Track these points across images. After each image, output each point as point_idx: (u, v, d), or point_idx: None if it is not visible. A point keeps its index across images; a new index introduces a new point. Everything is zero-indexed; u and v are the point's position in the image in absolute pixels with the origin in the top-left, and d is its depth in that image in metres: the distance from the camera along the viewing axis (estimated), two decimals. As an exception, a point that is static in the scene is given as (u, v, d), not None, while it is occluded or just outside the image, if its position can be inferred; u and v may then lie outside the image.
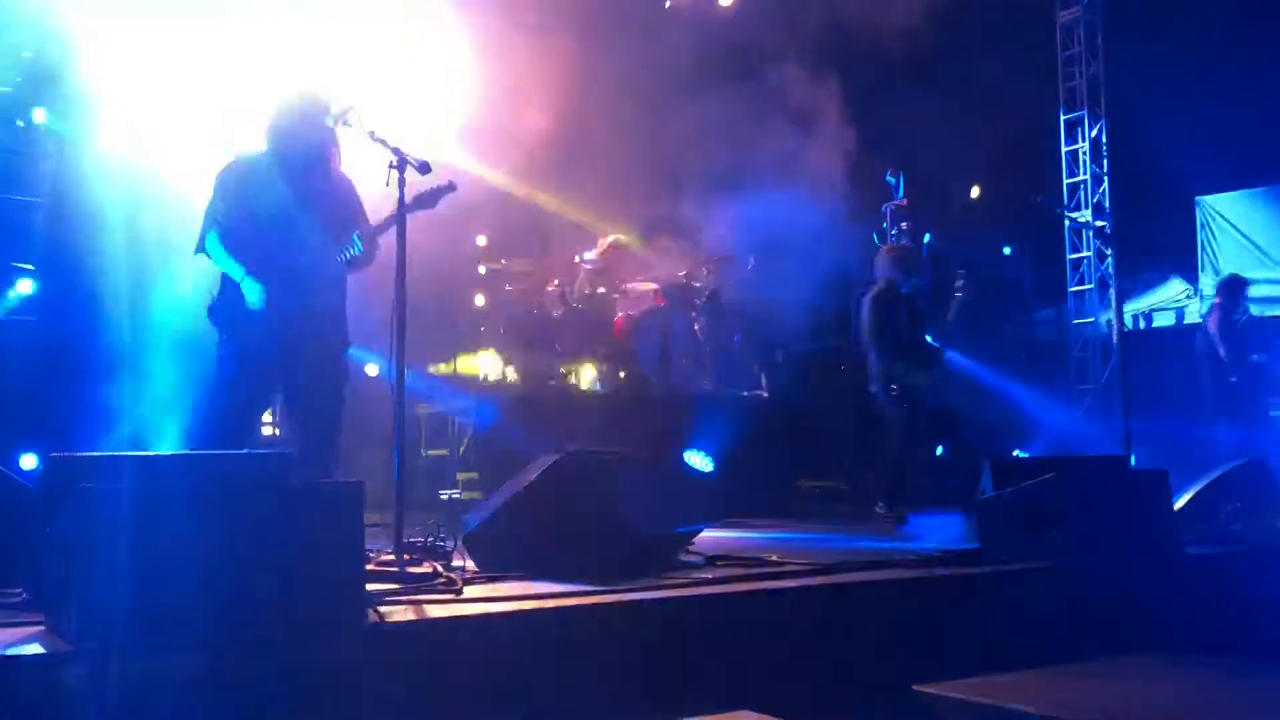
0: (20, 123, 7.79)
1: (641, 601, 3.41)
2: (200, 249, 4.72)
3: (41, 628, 2.80)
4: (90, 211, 7.43)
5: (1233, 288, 9.12)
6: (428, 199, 4.37)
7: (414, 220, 4.23)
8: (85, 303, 7.63)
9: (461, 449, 9.35)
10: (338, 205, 4.76)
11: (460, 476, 8.71)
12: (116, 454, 3.12)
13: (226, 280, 4.65)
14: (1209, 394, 8.97)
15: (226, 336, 4.63)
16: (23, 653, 2.51)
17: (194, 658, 2.52)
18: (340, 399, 4.71)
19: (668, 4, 11.62)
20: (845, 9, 10.40)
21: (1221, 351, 8.78)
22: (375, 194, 4.52)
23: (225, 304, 4.64)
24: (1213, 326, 8.98)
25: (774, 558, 4.43)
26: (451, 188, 4.41)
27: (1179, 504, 5.19)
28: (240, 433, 4.59)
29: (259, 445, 4.68)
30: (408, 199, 4.19)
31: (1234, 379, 8.81)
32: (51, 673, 2.41)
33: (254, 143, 4.79)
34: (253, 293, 4.53)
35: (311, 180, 4.70)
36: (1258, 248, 11.31)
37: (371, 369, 5.16)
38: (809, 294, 10.33)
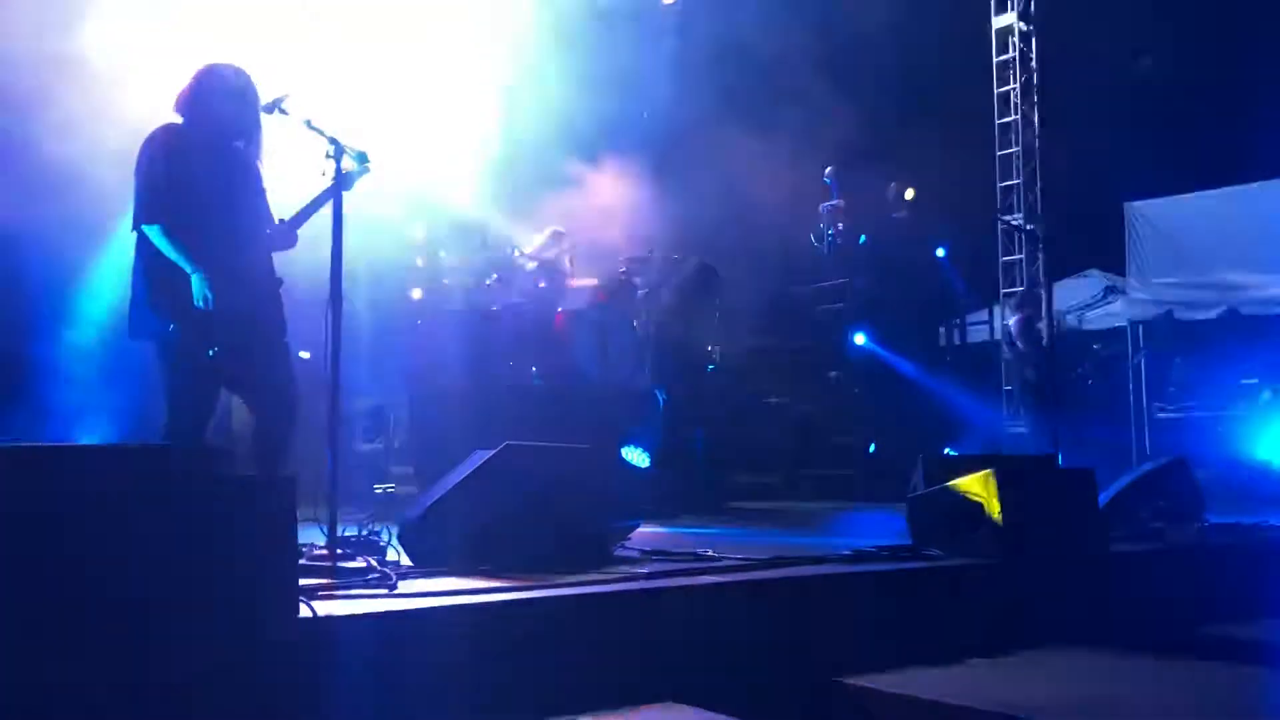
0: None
1: (576, 596, 3.41)
2: (138, 227, 4.43)
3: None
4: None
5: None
6: (348, 179, 4.21)
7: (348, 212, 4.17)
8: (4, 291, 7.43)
9: (396, 443, 9.29)
10: (259, 192, 4.67)
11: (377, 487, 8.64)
12: (31, 445, 3.03)
13: (167, 272, 4.38)
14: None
15: (174, 331, 4.37)
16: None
17: (121, 655, 2.47)
18: (294, 386, 4.63)
19: None
20: (785, 8, 10.51)
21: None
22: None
23: (170, 297, 4.38)
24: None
25: (709, 553, 4.46)
26: (364, 159, 4.23)
27: (1104, 502, 5.31)
28: (203, 430, 4.47)
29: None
30: (329, 180, 4.10)
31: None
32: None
33: (172, 115, 4.55)
34: (199, 289, 4.33)
35: (240, 157, 4.61)
36: (1184, 253, 11.60)
37: (304, 353, 5.06)
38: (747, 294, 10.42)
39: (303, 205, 4.52)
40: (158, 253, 4.39)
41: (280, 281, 4.68)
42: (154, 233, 4.39)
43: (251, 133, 4.58)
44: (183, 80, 4.59)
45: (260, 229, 4.64)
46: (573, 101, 9.93)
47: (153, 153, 4.43)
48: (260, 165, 4.70)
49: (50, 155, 6.98)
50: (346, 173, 4.17)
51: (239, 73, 4.55)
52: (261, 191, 4.70)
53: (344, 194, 4.13)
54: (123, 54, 7.27)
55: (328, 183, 4.11)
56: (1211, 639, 4.37)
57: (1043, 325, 6.69)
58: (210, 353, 4.33)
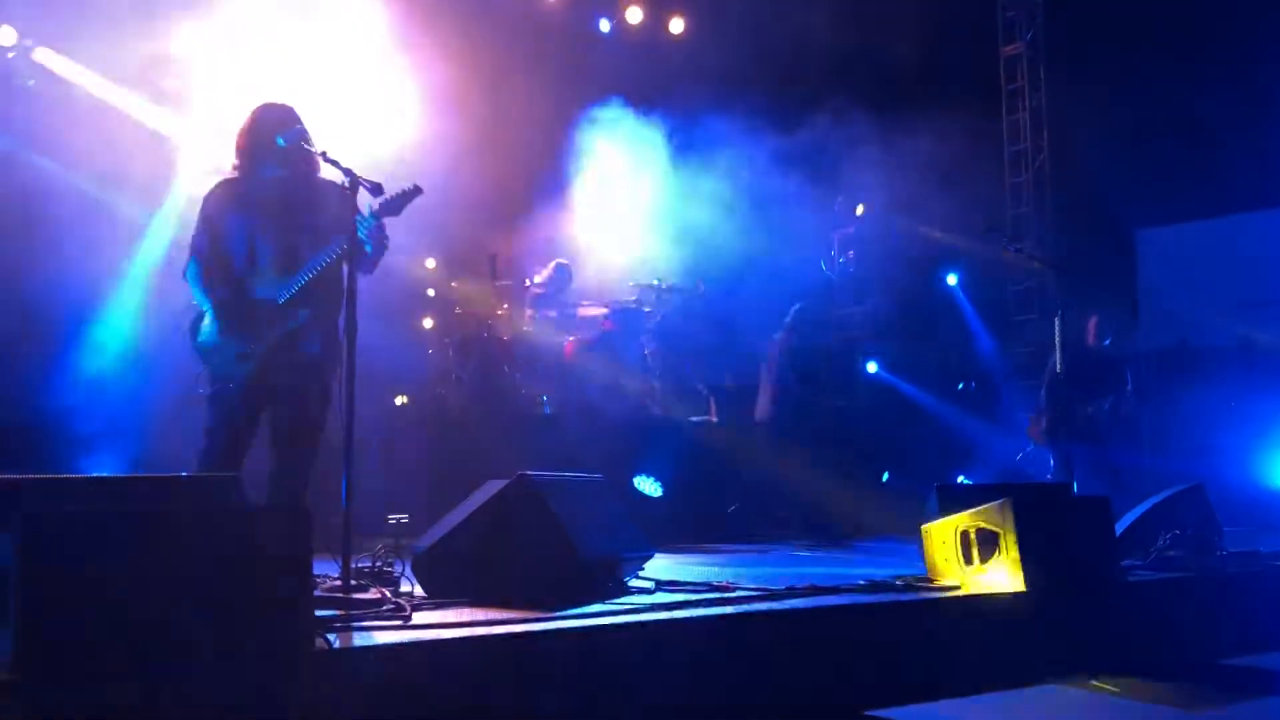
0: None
1: (591, 628, 3.39)
2: (184, 275, 4.79)
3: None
4: (39, 223, 7.31)
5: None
6: (394, 204, 4.37)
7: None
8: (32, 319, 7.49)
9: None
10: (328, 215, 4.65)
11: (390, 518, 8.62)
12: (57, 476, 3.05)
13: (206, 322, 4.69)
14: None
15: (213, 368, 4.64)
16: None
17: (136, 687, 2.47)
18: (320, 426, 4.71)
19: (605, 28, 11.72)
20: (796, 35, 10.57)
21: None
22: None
23: (201, 335, 4.69)
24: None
25: (724, 583, 4.43)
26: (417, 190, 4.42)
27: (1120, 530, 5.27)
28: (241, 457, 4.60)
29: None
30: (375, 205, 4.21)
31: None
32: (-13, 701, 2.35)
33: (231, 164, 4.80)
34: (209, 332, 4.60)
35: (296, 194, 4.66)
36: (1195, 281, 11.57)
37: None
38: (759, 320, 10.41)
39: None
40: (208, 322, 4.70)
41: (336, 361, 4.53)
42: (190, 271, 4.73)
43: (295, 166, 4.63)
44: (232, 124, 4.81)
45: (314, 259, 4.63)
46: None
47: (202, 211, 4.77)
48: (321, 183, 4.71)
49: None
50: (400, 192, 4.35)
51: (284, 109, 4.66)
52: (320, 219, 4.66)
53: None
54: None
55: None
56: (1233, 670, 4.33)
57: (1056, 355, 6.69)
58: (230, 385, 4.46)
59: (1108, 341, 8.55)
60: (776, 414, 8.54)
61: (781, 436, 8.46)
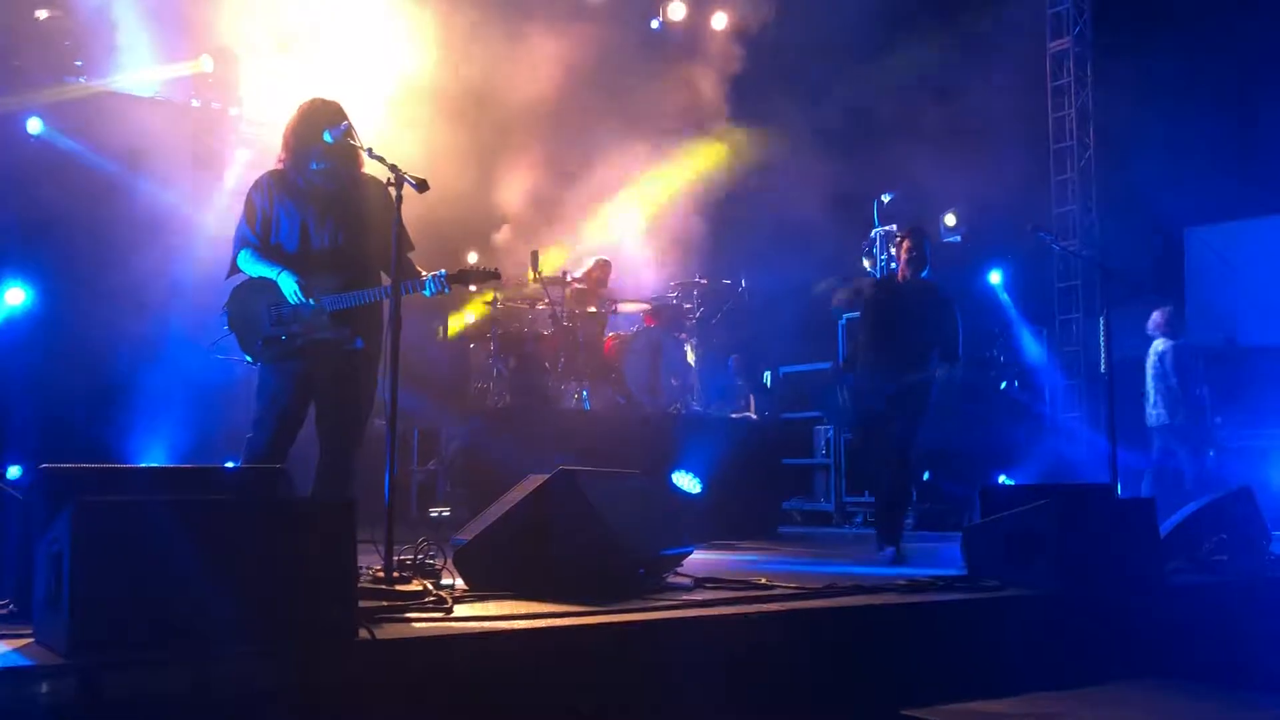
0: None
1: (630, 623, 3.41)
2: (232, 273, 4.76)
3: (30, 640, 2.79)
4: (85, 226, 7.47)
5: None
6: (469, 278, 4.64)
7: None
8: (76, 315, 7.65)
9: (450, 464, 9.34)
10: (370, 210, 4.69)
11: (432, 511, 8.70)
12: (110, 466, 3.11)
13: (244, 302, 4.66)
14: None
15: (248, 352, 4.65)
16: (13, 665, 2.50)
17: (185, 672, 2.52)
18: (365, 417, 4.74)
19: (655, 25, 11.74)
20: (840, 34, 10.53)
21: None
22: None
23: (242, 324, 4.66)
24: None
25: (763, 580, 4.44)
26: (496, 275, 4.73)
27: (1165, 533, 5.21)
28: (285, 449, 4.61)
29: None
30: (453, 272, 4.51)
31: None
32: (42, 685, 2.40)
33: (277, 157, 4.80)
34: (289, 285, 4.53)
35: (342, 187, 4.71)
36: (1244, 279, 11.40)
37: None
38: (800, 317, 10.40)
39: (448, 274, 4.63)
40: (245, 285, 4.70)
41: (380, 324, 4.64)
42: (243, 259, 4.68)
43: (339, 161, 4.67)
44: (282, 117, 4.82)
45: (362, 253, 4.69)
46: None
47: (249, 203, 4.74)
48: (367, 179, 4.76)
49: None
50: (480, 271, 4.67)
51: (332, 105, 4.67)
52: (364, 211, 4.71)
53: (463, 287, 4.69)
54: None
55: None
56: (1277, 675, 4.26)
57: (1103, 355, 6.59)
58: (283, 336, 4.55)
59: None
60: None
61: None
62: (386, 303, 4.37)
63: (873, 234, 11.31)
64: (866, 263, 11.30)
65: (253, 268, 4.66)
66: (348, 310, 4.59)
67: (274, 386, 4.61)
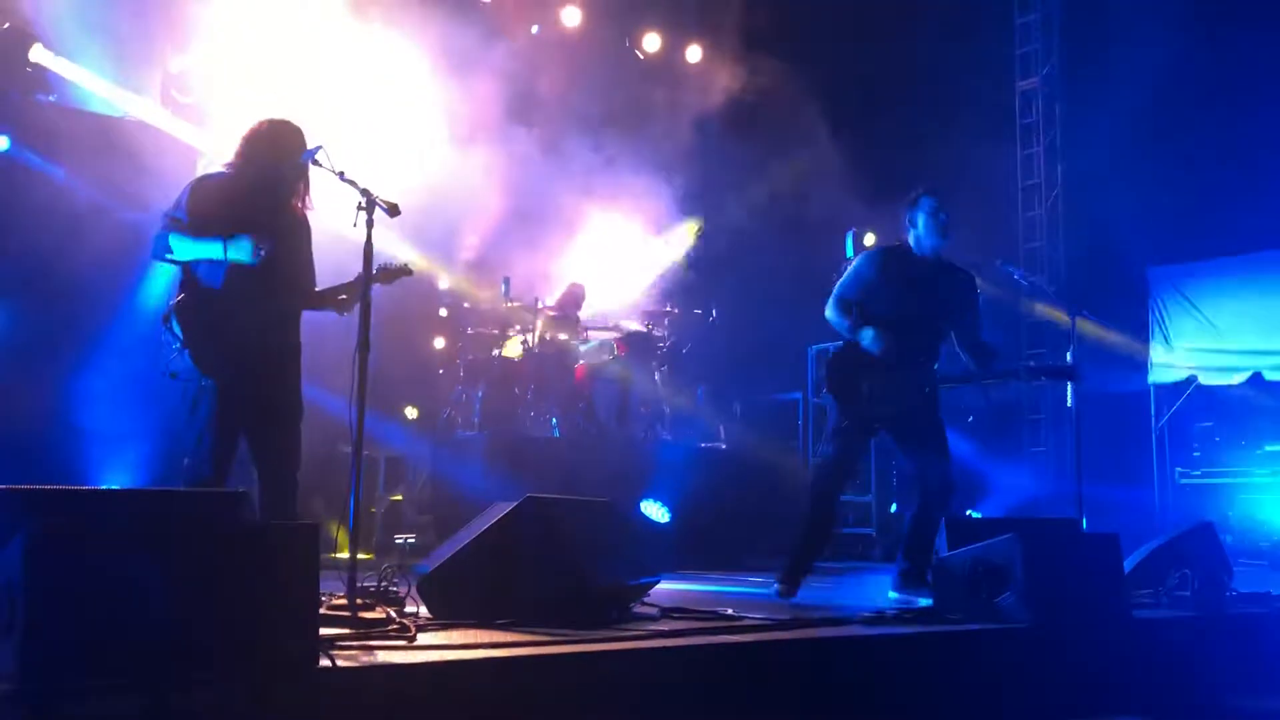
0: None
1: (596, 653, 3.38)
2: (159, 255, 4.47)
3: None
4: (50, 247, 7.39)
5: None
6: (385, 276, 4.56)
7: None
8: (34, 333, 7.55)
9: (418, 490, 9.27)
10: (303, 241, 4.75)
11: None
12: (64, 488, 3.04)
13: (198, 312, 4.42)
14: None
15: (204, 370, 4.40)
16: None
17: (139, 700, 2.46)
18: (300, 408, 4.68)
19: (641, 56, 11.85)
20: (818, 70, 10.63)
21: None
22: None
23: (190, 333, 4.41)
24: None
25: (729, 611, 4.42)
26: (408, 271, 4.70)
27: (1129, 568, 5.24)
28: (226, 470, 4.49)
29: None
30: (374, 270, 4.29)
31: None
32: (-9, 712, 2.35)
33: (222, 161, 4.73)
34: (243, 250, 4.33)
35: (283, 210, 4.68)
36: (1207, 319, 11.53)
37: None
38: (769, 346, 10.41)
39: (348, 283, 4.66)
40: (178, 287, 4.52)
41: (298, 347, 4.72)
42: (175, 241, 4.40)
43: (295, 184, 4.65)
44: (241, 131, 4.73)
45: (298, 279, 4.70)
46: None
47: (192, 194, 4.53)
48: (305, 217, 4.78)
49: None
50: (396, 268, 4.60)
51: (289, 126, 4.64)
52: (304, 243, 4.76)
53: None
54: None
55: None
56: (1240, 710, 4.29)
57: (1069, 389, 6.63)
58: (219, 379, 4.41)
59: None
60: None
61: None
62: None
63: (841, 268, 11.37)
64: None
65: (189, 248, 4.40)
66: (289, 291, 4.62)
67: (218, 407, 4.44)
